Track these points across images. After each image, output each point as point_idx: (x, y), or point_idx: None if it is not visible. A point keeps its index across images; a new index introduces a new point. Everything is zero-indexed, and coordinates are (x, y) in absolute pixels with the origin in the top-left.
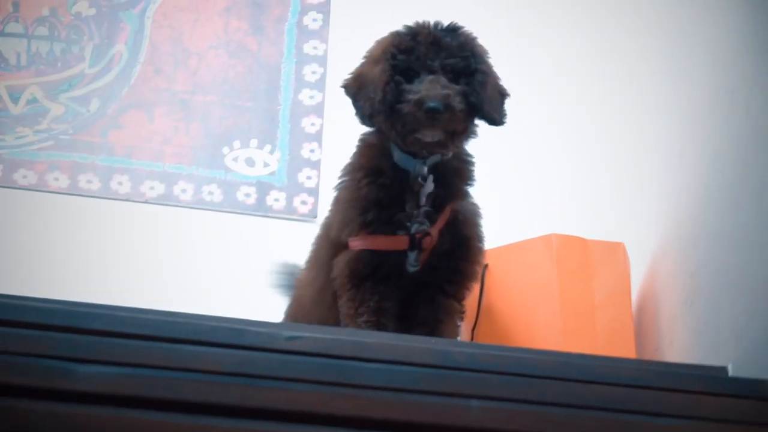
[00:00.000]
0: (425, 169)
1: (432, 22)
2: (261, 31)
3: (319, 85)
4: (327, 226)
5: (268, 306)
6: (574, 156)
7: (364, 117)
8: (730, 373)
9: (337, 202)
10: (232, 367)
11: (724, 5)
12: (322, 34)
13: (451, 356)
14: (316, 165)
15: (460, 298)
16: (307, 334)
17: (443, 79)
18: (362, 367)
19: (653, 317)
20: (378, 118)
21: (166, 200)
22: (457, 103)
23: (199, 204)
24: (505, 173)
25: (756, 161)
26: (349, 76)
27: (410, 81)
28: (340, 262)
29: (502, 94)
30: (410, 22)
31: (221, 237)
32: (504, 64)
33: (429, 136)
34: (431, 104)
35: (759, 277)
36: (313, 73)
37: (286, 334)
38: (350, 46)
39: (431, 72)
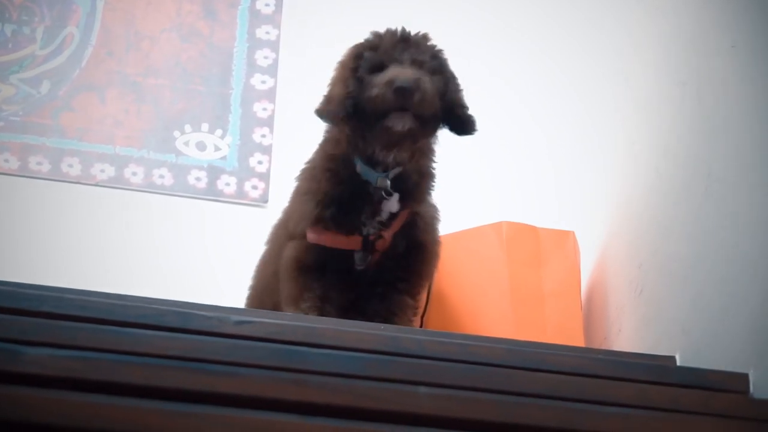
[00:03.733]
0: (388, 182)
1: (399, 27)
2: (213, 15)
3: (271, 70)
4: (287, 215)
5: (219, 290)
6: (525, 144)
7: (334, 121)
8: (678, 362)
9: (296, 193)
10: (180, 352)
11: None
12: (274, 19)
13: (399, 343)
14: (267, 150)
15: (413, 295)
16: (255, 319)
17: (412, 69)
18: (310, 352)
19: (602, 306)
20: (344, 121)
21: (116, 183)
22: (428, 85)
23: (149, 187)
24: (457, 160)
25: (705, 152)
26: (320, 101)
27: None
28: (290, 247)
29: (464, 108)
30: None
31: (172, 220)
32: (455, 55)
33: (399, 123)
34: (402, 83)
35: (707, 268)
36: (266, 58)
37: (235, 318)
38: (303, 32)
39: (400, 63)
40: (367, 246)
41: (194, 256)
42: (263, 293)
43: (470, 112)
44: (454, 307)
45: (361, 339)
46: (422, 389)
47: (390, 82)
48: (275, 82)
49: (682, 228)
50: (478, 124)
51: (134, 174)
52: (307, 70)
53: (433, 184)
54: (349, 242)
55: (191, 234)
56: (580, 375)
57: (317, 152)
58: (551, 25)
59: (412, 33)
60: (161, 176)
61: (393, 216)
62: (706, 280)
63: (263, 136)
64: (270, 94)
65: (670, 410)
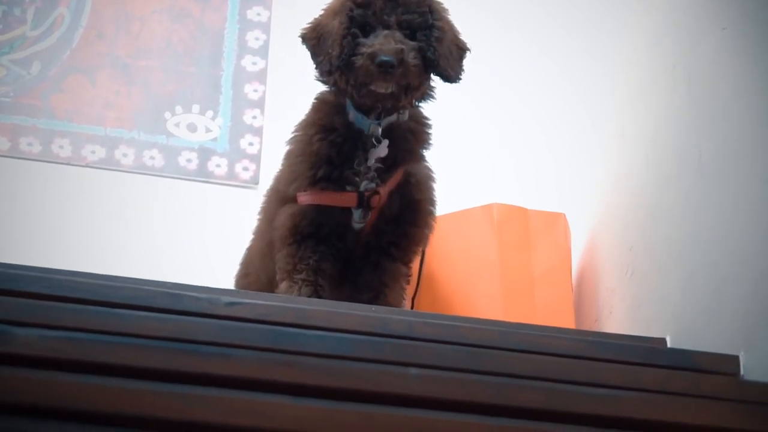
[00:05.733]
0: (380, 129)
1: None
2: None
3: (262, 51)
4: (277, 179)
5: (209, 271)
6: (516, 126)
7: (323, 73)
8: (669, 344)
9: (288, 156)
10: (171, 333)
11: None
12: (265, 1)
13: (390, 324)
14: (258, 132)
15: (406, 261)
16: (246, 301)
17: (398, 35)
18: (302, 334)
19: (593, 288)
20: (335, 74)
21: (107, 164)
22: (411, 58)
23: (140, 169)
24: (448, 141)
25: (696, 136)
26: (308, 26)
27: (366, 35)
28: (284, 214)
29: (461, 49)
30: None
31: (162, 202)
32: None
33: (382, 87)
34: (384, 58)
35: (697, 250)
36: (256, 39)
37: (226, 300)
38: (294, 13)
39: (387, 27)
40: (363, 202)
41: (185, 238)
42: (258, 267)
43: (460, 61)
44: (444, 288)
45: (351, 321)
46: (412, 371)
47: (372, 56)
48: (266, 64)
49: (672, 211)
50: (458, 93)
51: (125, 155)
52: (298, 51)
53: (429, 143)
54: (345, 199)
55: (182, 215)
56: (571, 357)
57: (308, 115)
58: (547, 14)
59: None
60: (152, 158)
61: (388, 171)
62: (696, 262)
63: (254, 117)
64: (261, 76)
65: (660, 392)
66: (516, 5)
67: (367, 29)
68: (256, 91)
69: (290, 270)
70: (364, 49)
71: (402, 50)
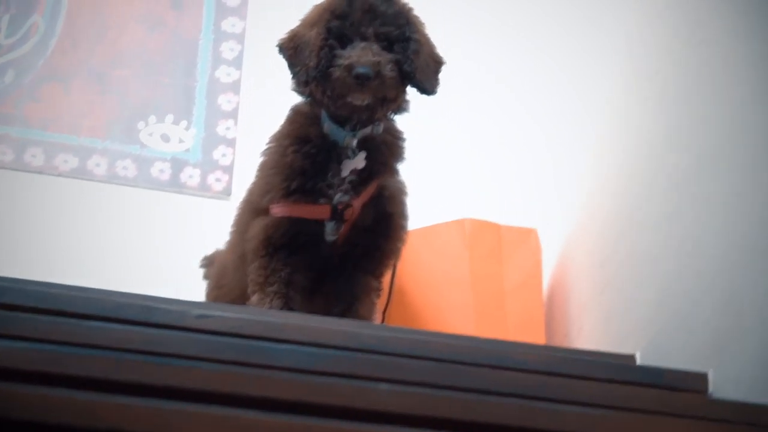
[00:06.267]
0: (354, 141)
1: None
2: (179, 6)
3: (237, 62)
4: (250, 191)
5: (181, 283)
6: (489, 141)
7: (299, 83)
8: (638, 361)
9: (262, 168)
10: (141, 345)
11: None
12: (240, 12)
13: (360, 338)
14: (231, 143)
15: (378, 275)
16: (217, 313)
17: (375, 47)
18: (272, 347)
19: (564, 304)
20: (312, 85)
21: (80, 174)
22: (388, 70)
23: (113, 179)
24: (420, 156)
25: (671, 151)
26: (285, 36)
27: (343, 47)
28: (257, 225)
29: (437, 62)
30: None
31: (135, 212)
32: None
33: (359, 99)
34: (360, 70)
35: (667, 268)
36: (231, 50)
37: (196, 312)
38: (269, 24)
39: (364, 39)
40: (336, 215)
41: (157, 249)
42: (231, 279)
43: (436, 73)
44: (416, 303)
45: (322, 334)
46: (383, 386)
47: (349, 68)
48: (240, 75)
49: (645, 226)
50: (430, 106)
51: (98, 165)
52: (272, 63)
53: (403, 157)
54: (318, 211)
55: (154, 226)
56: (542, 373)
57: (282, 127)
58: (522, 25)
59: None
60: (125, 168)
61: (361, 184)
62: (667, 279)
63: (227, 128)
64: (235, 87)
65: (630, 409)
66: (486, 23)
67: (344, 41)
68: (229, 102)
69: (262, 282)
70: (341, 61)
71: (379, 62)
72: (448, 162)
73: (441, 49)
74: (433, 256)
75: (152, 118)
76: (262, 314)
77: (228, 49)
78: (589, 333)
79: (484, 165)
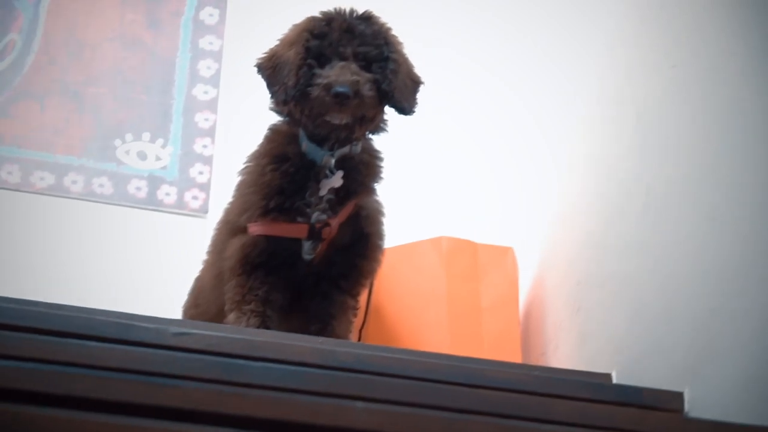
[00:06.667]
0: (333, 161)
1: (347, 9)
2: (156, 24)
3: (214, 80)
4: (228, 211)
5: (158, 300)
6: (466, 159)
7: (278, 103)
8: (614, 380)
9: (239, 187)
10: (119, 363)
11: (613, 16)
12: (218, 30)
13: (337, 357)
14: (208, 160)
15: (354, 294)
16: (195, 331)
17: (354, 66)
18: (249, 365)
19: (540, 322)
20: (290, 104)
21: (56, 191)
22: (367, 90)
23: (89, 196)
24: (397, 174)
25: (644, 170)
26: (264, 55)
27: (322, 66)
28: (235, 244)
29: (416, 82)
30: (326, 9)
31: (111, 230)
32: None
33: (337, 118)
34: (339, 89)
35: (643, 286)
36: (208, 68)
37: (174, 330)
38: (246, 43)
39: (343, 58)
40: (314, 234)
41: (133, 266)
42: (208, 298)
43: (414, 93)
44: (392, 320)
45: (299, 352)
46: (359, 404)
47: (328, 87)
48: (217, 93)
49: (619, 246)
50: (407, 125)
51: (74, 182)
52: (249, 81)
53: (381, 176)
54: (296, 230)
55: (131, 244)
56: (518, 392)
57: (261, 146)
58: (496, 47)
59: (358, 19)
60: (101, 185)
61: (339, 203)
62: (642, 298)
63: (204, 146)
64: (212, 105)
65: (607, 428)
66: (463, 42)
67: (323, 60)
68: (207, 120)
69: (239, 301)
70: (320, 80)
71: (358, 82)
72: (425, 180)
73: (419, 66)
74: (410, 274)
75: (129, 136)
76: (240, 332)
77: (205, 67)
78: (565, 351)
79: (461, 183)
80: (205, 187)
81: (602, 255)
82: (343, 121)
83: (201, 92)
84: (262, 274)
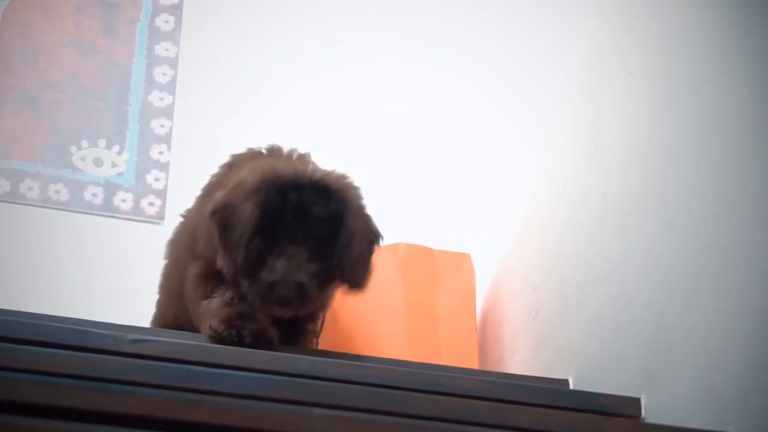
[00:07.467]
0: None
1: (306, 178)
2: (112, 31)
3: (170, 87)
4: (192, 236)
5: (115, 307)
6: (423, 166)
7: (224, 271)
8: (572, 385)
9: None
10: (76, 370)
11: (571, 25)
12: (173, 36)
13: (294, 363)
14: (164, 167)
15: (312, 319)
16: (151, 338)
17: (303, 257)
18: (206, 372)
19: (497, 328)
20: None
21: (12, 198)
22: (313, 287)
23: (45, 202)
24: (355, 179)
25: (601, 178)
26: (218, 201)
27: (272, 246)
28: (195, 267)
29: (371, 242)
30: (283, 164)
31: (68, 236)
32: (358, 59)
33: (280, 313)
34: (282, 293)
35: (598, 292)
36: (164, 74)
37: (131, 337)
38: (202, 48)
39: (294, 242)
40: None
41: (90, 273)
42: (171, 309)
43: (366, 266)
44: (349, 327)
45: (256, 359)
46: (317, 410)
47: (272, 287)
48: (173, 99)
49: (576, 252)
50: (366, 131)
51: (30, 189)
52: (205, 87)
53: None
54: None
55: (87, 250)
56: (476, 398)
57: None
58: (457, 53)
59: (315, 193)
60: (57, 191)
61: None
62: (599, 304)
63: (161, 152)
64: (168, 111)
65: None
66: (422, 50)
67: (274, 238)
68: (162, 126)
69: (209, 292)
70: (266, 275)
71: (303, 285)
72: (382, 186)
73: (385, 63)
74: None
75: (85, 143)
76: (197, 339)
77: (161, 74)
78: (522, 357)
79: (418, 189)
80: (161, 194)
81: (559, 261)
82: (287, 316)
83: (157, 98)
84: (223, 281)
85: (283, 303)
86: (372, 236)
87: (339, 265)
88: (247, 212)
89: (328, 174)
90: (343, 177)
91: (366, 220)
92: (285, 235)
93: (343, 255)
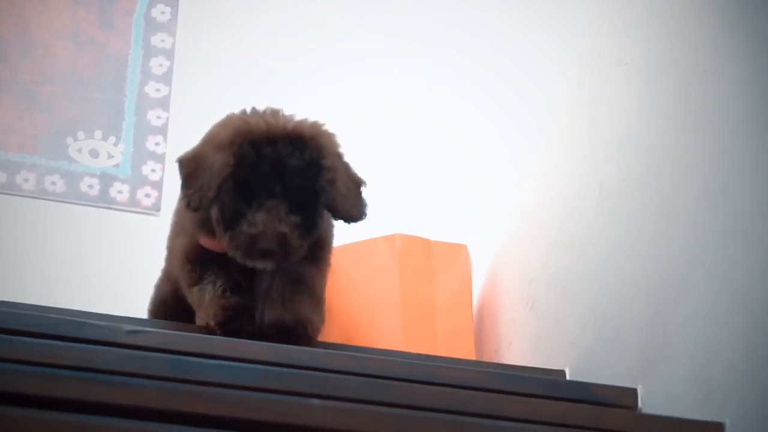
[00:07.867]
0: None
1: (278, 129)
2: (109, 22)
3: (166, 78)
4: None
5: (112, 298)
6: (420, 156)
7: (190, 207)
8: (568, 376)
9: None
10: (73, 361)
11: (567, 17)
12: (170, 27)
13: (292, 354)
14: (160, 158)
15: (318, 248)
16: (147, 329)
17: (283, 210)
18: (203, 363)
19: (494, 319)
20: (207, 210)
21: (8, 189)
22: (294, 239)
23: (41, 194)
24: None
25: (598, 169)
26: (188, 153)
27: (249, 199)
28: (178, 247)
29: (358, 184)
30: (254, 117)
31: (64, 227)
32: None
33: (262, 264)
34: (264, 245)
35: (595, 283)
36: (160, 66)
37: (127, 328)
38: (198, 40)
39: (272, 195)
40: None
41: (87, 264)
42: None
43: (358, 196)
44: (345, 318)
45: (254, 350)
46: (314, 401)
47: (254, 240)
48: (169, 90)
49: (573, 243)
50: (361, 121)
51: (26, 180)
52: (201, 78)
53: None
54: None
55: (83, 241)
56: (472, 389)
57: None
58: (451, 47)
59: (290, 146)
60: (53, 183)
61: None
62: (596, 294)
63: (157, 144)
64: (164, 102)
65: (560, 424)
66: (417, 41)
67: (251, 192)
68: (159, 117)
69: (195, 281)
70: (245, 228)
71: (284, 235)
72: (379, 177)
73: (385, 63)
74: (364, 272)
75: (81, 134)
76: (193, 330)
77: (157, 65)
78: (518, 348)
79: (414, 180)
80: (157, 185)
81: (556, 252)
82: (269, 267)
83: (153, 90)
84: (210, 264)
85: (266, 255)
86: (357, 180)
87: (326, 203)
88: (219, 161)
89: (301, 123)
90: (316, 124)
91: (346, 165)
92: (263, 188)
93: (329, 189)
